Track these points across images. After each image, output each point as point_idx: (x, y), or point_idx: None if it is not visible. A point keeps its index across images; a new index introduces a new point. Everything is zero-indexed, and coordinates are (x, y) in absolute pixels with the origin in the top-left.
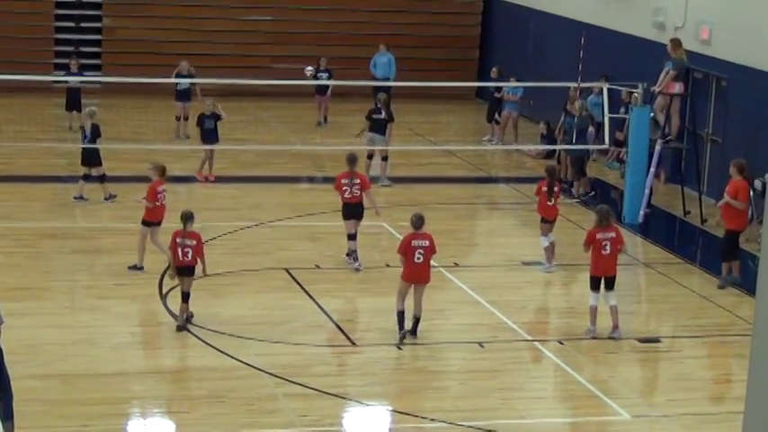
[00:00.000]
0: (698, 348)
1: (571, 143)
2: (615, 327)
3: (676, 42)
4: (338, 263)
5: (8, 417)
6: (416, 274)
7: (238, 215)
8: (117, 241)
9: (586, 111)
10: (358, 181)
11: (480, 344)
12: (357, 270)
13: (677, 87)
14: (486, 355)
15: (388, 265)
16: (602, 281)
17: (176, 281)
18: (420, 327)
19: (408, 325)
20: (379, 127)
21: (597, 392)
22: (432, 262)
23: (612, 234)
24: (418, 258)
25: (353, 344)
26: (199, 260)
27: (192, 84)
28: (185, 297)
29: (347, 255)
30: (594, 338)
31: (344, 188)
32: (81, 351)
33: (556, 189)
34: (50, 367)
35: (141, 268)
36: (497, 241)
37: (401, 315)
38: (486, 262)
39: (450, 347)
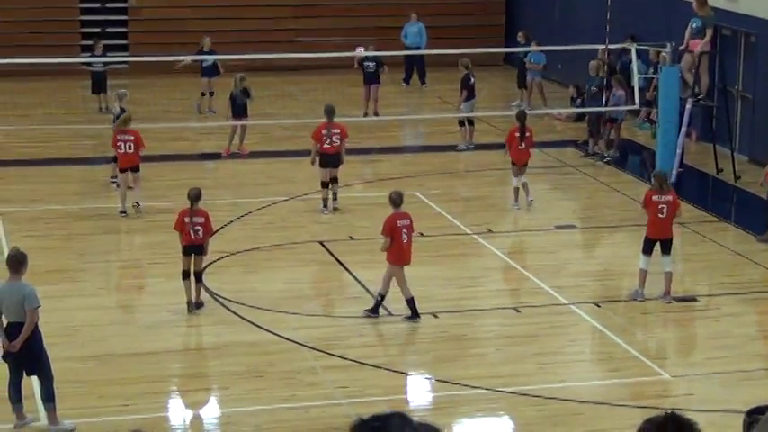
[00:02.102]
0: (735, 306)
1: (589, 105)
2: (667, 293)
3: (702, 0)
4: (372, 234)
5: (49, 398)
6: (406, 255)
7: (271, 190)
8: (150, 221)
9: (602, 71)
10: (337, 131)
11: (516, 309)
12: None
13: (705, 45)
14: (523, 320)
15: (422, 234)
16: (657, 245)
17: (182, 260)
18: (455, 294)
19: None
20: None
21: (635, 353)
22: (465, 229)
23: (670, 198)
24: (404, 238)
25: (390, 314)
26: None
27: (216, 60)
28: (198, 277)
29: (323, 204)
30: (643, 301)
31: (324, 138)
32: (118, 331)
33: (527, 134)
34: (89, 348)
35: (124, 212)
36: (531, 205)
37: (411, 301)
38: (519, 227)
39: (486, 314)
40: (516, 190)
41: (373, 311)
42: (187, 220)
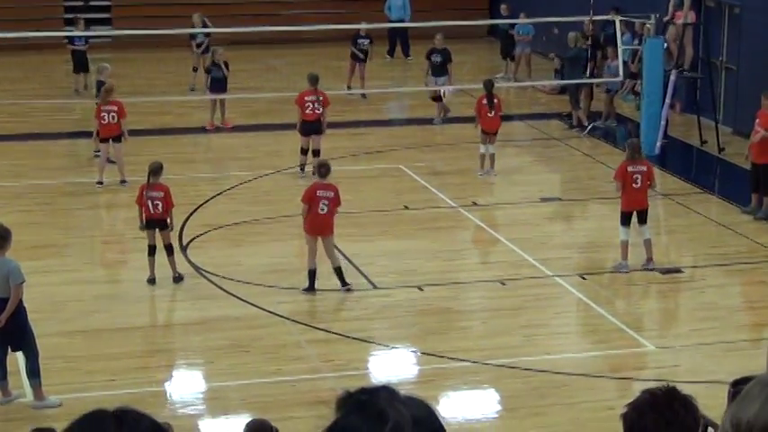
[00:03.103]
0: (720, 277)
1: (568, 76)
2: (649, 259)
3: None
4: (356, 207)
5: (35, 374)
6: (320, 226)
7: (256, 164)
8: (134, 195)
9: (581, 42)
10: (321, 98)
11: (502, 282)
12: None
13: (690, 16)
14: (508, 292)
15: (406, 207)
16: (635, 215)
17: (146, 234)
18: (441, 267)
19: (330, 282)
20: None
21: (621, 325)
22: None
23: (644, 168)
24: (322, 209)
25: (375, 287)
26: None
27: (206, 35)
28: (168, 250)
29: (300, 168)
30: (627, 273)
31: (307, 104)
32: (104, 306)
33: (495, 101)
34: (74, 323)
35: (101, 183)
36: (515, 178)
37: (312, 273)
38: (504, 199)
39: (471, 287)
40: (482, 156)
41: (343, 284)
42: (146, 193)
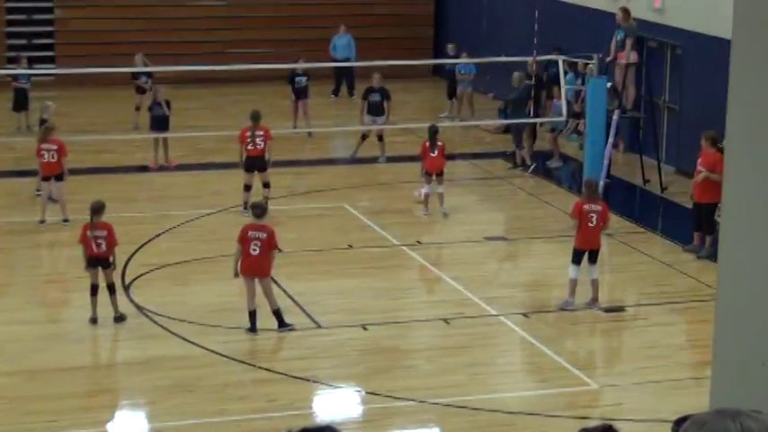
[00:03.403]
0: (663, 315)
1: (512, 116)
2: (595, 300)
3: (626, 11)
4: (300, 246)
5: None
6: (253, 267)
7: (199, 202)
8: (76, 234)
9: (524, 82)
10: (261, 133)
11: (446, 320)
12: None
13: (632, 56)
14: (453, 331)
15: (350, 246)
16: (586, 255)
17: (89, 273)
18: (385, 306)
19: (270, 323)
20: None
21: (565, 363)
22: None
23: (599, 207)
24: (254, 250)
25: (319, 326)
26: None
27: (148, 76)
28: (111, 289)
29: (243, 206)
30: (574, 310)
31: (248, 140)
32: (46, 346)
33: (439, 144)
34: (16, 364)
35: (43, 221)
36: (458, 217)
37: (252, 315)
38: (448, 238)
39: (416, 325)
40: (427, 196)
41: (280, 325)
42: (89, 233)
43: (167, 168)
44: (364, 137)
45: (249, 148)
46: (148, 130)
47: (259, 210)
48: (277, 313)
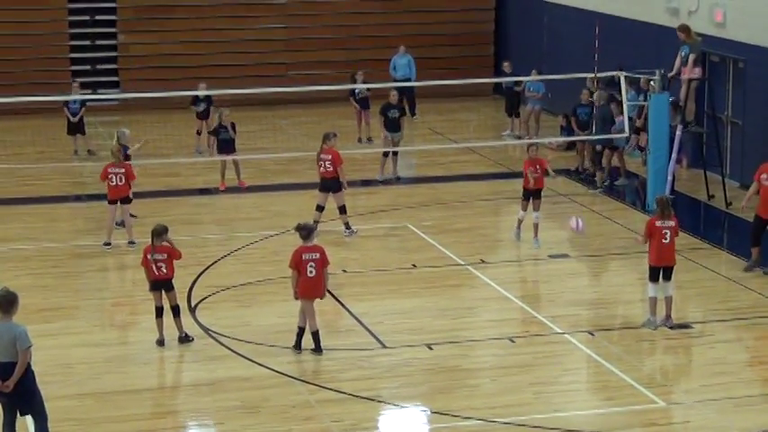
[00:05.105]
0: (729, 332)
1: (591, 134)
2: (668, 317)
3: (685, 28)
4: (364, 266)
5: None
6: (312, 289)
7: (264, 224)
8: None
9: (605, 101)
10: (328, 156)
11: (511, 339)
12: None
13: (696, 72)
14: (518, 350)
15: (414, 266)
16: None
17: (153, 296)
18: (449, 325)
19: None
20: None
21: (631, 381)
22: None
23: (672, 223)
24: (310, 272)
25: (384, 346)
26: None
27: (208, 103)
28: (175, 311)
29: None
30: (656, 329)
31: (319, 163)
32: (114, 368)
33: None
34: (84, 386)
35: (109, 244)
36: (522, 236)
37: (315, 335)
38: (512, 257)
39: (480, 344)
40: (519, 222)
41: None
42: (149, 256)
43: (239, 190)
44: (386, 154)
45: (321, 170)
46: (214, 153)
47: (305, 231)
48: (316, 336)
